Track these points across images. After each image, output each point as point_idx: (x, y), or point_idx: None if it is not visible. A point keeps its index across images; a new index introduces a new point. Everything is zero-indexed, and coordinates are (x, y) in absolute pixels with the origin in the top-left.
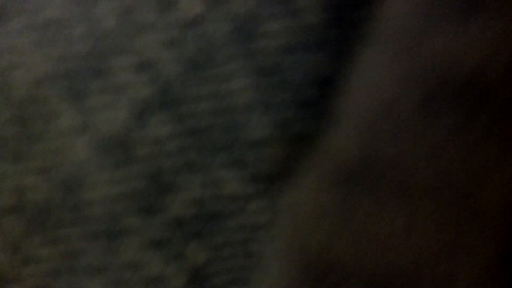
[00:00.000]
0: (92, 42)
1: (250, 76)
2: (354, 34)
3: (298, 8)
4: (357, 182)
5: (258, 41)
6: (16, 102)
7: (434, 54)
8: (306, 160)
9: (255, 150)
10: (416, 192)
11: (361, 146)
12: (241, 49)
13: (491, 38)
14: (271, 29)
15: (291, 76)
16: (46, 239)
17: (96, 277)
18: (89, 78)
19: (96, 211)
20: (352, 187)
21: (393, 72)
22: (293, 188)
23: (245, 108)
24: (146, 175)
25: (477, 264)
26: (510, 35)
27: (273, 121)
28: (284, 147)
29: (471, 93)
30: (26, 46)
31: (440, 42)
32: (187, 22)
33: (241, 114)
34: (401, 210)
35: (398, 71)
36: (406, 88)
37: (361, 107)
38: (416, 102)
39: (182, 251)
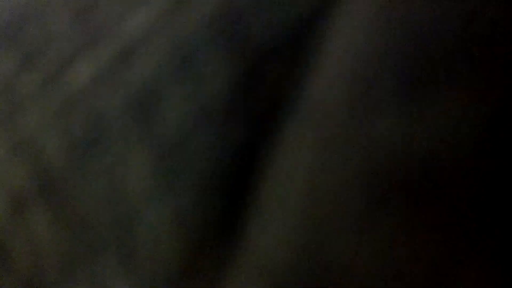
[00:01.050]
0: None
1: (147, 158)
2: (267, 106)
3: (202, 74)
4: None
5: (156, 118)
6: None
7: (374, 142)
8: (218, 261)
9: (149, 246)
10: None
11: (295, 248)
12: (136, 127)
13: (443, 119)
14: (171, 102)
15: (195, 157)
16: None
17: None
18: None
19: None
20: None
21: (326, 166)
22: None
23: (140, 195)
24: (23, 283)
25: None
26: (464, 116)
27: (172, 209)
28: (184, 243)
29: (420, 190)
30: None
31: (380, 127)
32: (74, 95)
33: (135, 202)
34: None
35: (331, 165)
36: (345, 185)
37: (292, 204)
38: (359, 202)
39: None
